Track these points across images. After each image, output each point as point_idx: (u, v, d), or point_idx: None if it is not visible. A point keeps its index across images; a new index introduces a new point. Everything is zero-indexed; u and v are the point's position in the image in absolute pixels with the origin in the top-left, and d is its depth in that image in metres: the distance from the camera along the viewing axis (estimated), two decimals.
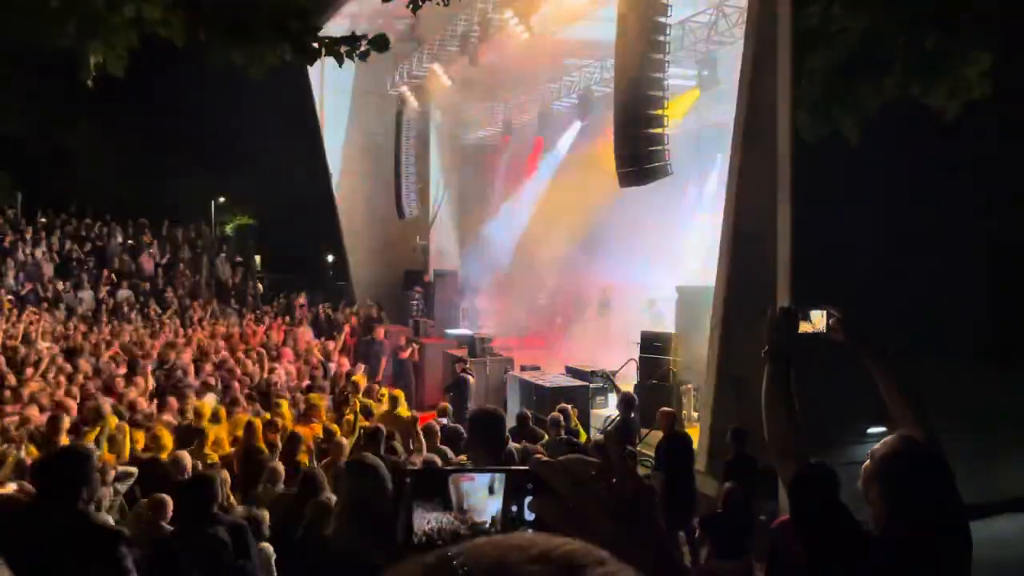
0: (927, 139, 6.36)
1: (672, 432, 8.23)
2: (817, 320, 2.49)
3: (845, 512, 2.34)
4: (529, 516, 0.97)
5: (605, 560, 0.68)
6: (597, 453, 1.08)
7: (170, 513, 5.03)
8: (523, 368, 13.59)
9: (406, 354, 15.67)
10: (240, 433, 7.74)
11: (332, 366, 13.28)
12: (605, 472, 0.96)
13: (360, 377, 10.95)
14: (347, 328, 16.40)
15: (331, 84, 21.36)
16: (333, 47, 4.24)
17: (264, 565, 5.21)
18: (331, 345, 14.75)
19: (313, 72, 20.23)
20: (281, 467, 6.54)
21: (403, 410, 9.22)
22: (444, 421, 8.62)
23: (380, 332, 16.73)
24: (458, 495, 0.99)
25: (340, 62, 4.25)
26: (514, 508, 0.98)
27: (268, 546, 5.42)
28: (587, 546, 0.69)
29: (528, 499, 0.98)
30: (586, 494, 0.93)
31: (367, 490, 3.60)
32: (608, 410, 11.95)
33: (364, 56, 4.29)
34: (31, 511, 3.33)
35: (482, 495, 0.99)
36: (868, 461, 2.39)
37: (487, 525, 0.98)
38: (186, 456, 6.35)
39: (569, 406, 9.90)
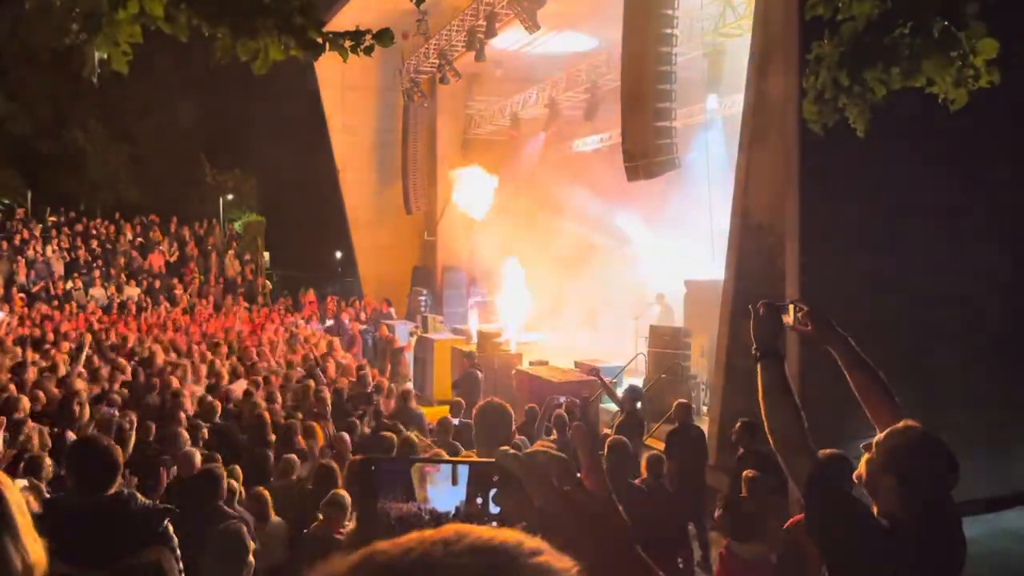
0: (934, 129, 6.30)
1: (686, 424, 8.19)
2: (789, 314, 2.55)
3: (863, 508, 2.29)
4: (494, 509, 0.95)
5: (540, 550, 0.65)
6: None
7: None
8: (531, 363, 13.57)
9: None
10: None
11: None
12: (571, 468, 0.94)
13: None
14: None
15: (338, 80, 21.38)
16: (337, 42, 4.20)
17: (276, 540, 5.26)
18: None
19: (320, 68, 20.25)
20: (295, 458, 6.56)
21: (414, 405, 9.29)
22: (456, 422, 8.61)
23: (384, 329, 16.81)
24: (422, 485, 0.98)
25: (344, 57, 4.21)
26: (479, 500, 0.96)
27: (280, 520, 5.46)
28: (521, 537, 0.66)
29: (493, 492, 0.96)
30: (550, 489, 0.91)
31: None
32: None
33: (369, 51, 4.24)
34: (69, 497, 3.31)
35: (446, 486, 0.97)
36: (872, 452, 2.34)
37: (451, 516, 0.96)
38: (196, 453, 6.38)
39: (577, 401, 9.85)
